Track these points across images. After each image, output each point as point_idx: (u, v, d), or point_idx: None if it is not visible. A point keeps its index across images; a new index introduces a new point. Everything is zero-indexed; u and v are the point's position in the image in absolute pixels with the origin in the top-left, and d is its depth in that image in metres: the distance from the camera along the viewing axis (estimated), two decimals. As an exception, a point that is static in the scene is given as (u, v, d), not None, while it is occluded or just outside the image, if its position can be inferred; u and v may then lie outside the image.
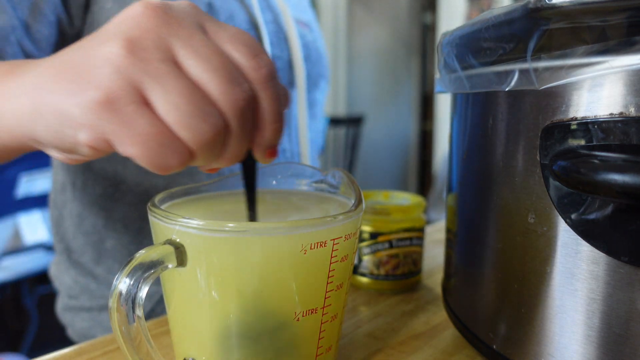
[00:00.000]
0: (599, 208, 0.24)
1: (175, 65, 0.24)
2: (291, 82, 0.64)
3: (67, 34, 0.51)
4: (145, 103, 0.24)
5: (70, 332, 0.64)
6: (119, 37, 0.24)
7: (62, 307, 0.65)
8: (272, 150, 0.29)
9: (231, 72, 0.25)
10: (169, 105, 0.24)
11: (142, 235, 0.59)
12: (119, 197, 0.58)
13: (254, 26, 0.59)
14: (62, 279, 0.64)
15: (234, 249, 0.26)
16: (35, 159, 1.54)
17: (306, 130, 0.67)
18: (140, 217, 0.58)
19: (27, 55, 0.47)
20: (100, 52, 0.24)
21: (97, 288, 0.61)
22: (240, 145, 0.27)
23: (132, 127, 0.24)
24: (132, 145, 0.24)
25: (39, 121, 0.26)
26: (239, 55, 0.26)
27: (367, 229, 0.46)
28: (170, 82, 0.24)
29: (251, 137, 0.27)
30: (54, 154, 0.29)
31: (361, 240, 0.46)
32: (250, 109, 0.26)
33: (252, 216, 0.31)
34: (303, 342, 0.29)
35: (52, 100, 0.25)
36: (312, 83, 0.69)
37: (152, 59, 0.24)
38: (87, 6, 0.51)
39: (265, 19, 0.61)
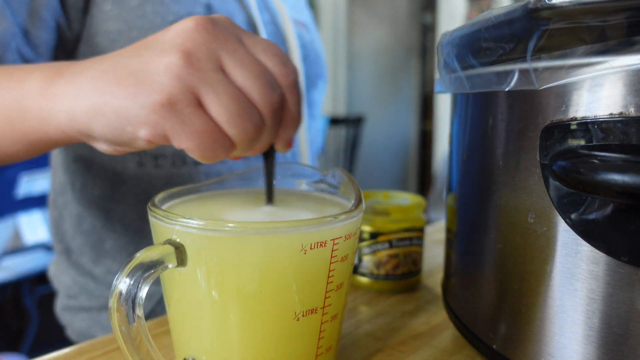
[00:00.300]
0: (599, 208, 0.24)
1: (224, 73, 0.29)
2: None
3: (66, 37, 0.51)
4: (199, 105, 0.28)
5: (70, 332, 0.64)
6: (177, 50, 0.28)
7: (61, 307, 0.65)
8: (290, 142, 0.34)
9: (268, 79, 0.30)
10: (220, 108, 0.28)
11: (140, 236, 0.59)
12: (118, 197, 0.58)
13: (252, 27, 0.59)
14: (61, 279, 0.65)
15: (234, 248, 0.26)
16: (35, 159, 1.53)
17: (305, 130, 0.67)
18: (139, 218, 0.58)
19: (25, 61, 0.47)
20: (161, 62, 0.28)
21: (95, 288, 0.61)
22: (270, 138, 0.32)
23: (189, 125, 0.28)
24: (187, 140, 0.29)
25: (97, 119, 0.30)
26: (271, 64, 0.31)
27: (367, 229, 0.46)
28: (221, 88, 0.28)
29: (277, 132, 0.32)
30: (101, 146, 0.33)
31: (361, 240, 0.46)
32: (281, 109, 0.31)
33: (270, 198, 0.34)
34: (303, 342, 0.29)
35: (115, 101, 0.29)
36: (311, 83, 0.69)
37: (205, 68, 0.28)
38: (85, 9, 0.51)
39: (263, 19, 0.61)
